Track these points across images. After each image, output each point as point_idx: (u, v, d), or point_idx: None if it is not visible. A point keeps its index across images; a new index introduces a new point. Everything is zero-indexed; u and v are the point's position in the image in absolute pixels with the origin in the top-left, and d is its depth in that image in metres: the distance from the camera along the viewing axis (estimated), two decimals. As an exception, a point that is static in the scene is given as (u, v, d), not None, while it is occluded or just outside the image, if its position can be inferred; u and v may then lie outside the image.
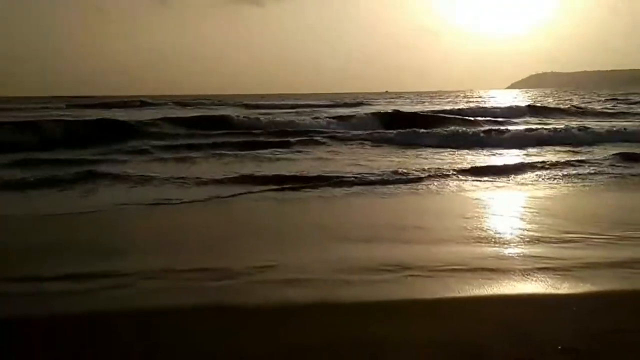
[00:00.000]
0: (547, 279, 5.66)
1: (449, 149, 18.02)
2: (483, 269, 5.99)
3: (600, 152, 16.55)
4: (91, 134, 20.44)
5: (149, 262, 6.32)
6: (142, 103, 44.51)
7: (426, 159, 16.07)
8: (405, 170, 12.98)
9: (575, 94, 68.24)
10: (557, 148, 18.30)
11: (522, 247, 6.87)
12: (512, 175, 12.67)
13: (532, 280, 5.70)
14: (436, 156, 16.51)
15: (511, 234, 7.51)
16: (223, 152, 16.67)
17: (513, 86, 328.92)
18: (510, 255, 6.56)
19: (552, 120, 30.53)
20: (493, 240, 7.18)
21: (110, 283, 5.67)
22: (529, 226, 7.85)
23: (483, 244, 6.99)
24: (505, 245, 6.96)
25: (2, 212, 9.40)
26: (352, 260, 6.34)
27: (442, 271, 5.95)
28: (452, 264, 6.14)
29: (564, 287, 5.45)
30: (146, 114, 31.07)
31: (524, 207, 9.43)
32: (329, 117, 27.10)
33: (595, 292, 5.31)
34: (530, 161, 14.91)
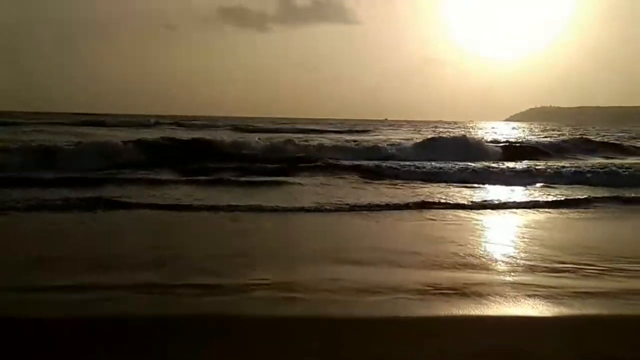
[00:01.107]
0: (538, 305, 5.81)
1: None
2: (474, 293, 6.14)
3: None
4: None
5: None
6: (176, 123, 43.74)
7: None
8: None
9: (583, 129, 66.92)
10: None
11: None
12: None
13: (523, 304, 5.86)
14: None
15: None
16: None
17: (511, 119, 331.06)
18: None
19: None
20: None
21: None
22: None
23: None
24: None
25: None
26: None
27: (433, 294, 6.11)
28: (443, 288, 6.31)
29: (555, 312, 5.60)
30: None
31: None
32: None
33: (586, 317, 5.47)
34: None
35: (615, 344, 4.80)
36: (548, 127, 74.93)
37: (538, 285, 6.46)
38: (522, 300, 5.98)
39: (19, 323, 4.99)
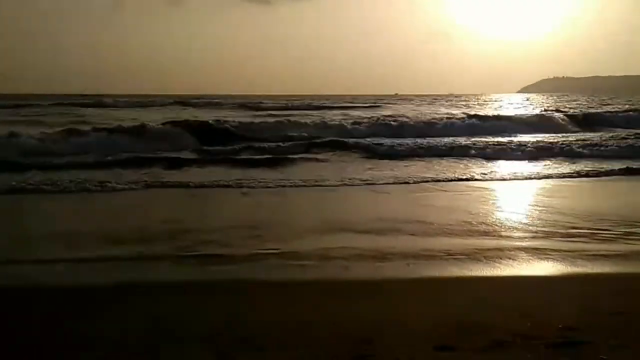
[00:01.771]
0: (552, 266, 5.85)
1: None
2: (486, 257, 6.16)
3: None
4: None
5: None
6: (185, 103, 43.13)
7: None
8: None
9: (609, 99, 64.07)
10: None
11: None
12: None
13: (536, 266, 5.90)
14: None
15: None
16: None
17: (524, 90, 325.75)
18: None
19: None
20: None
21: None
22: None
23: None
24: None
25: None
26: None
27: (444, 259, 6.15)
28: (455, 254, 6.33)
29: (568, 272, 5.63)
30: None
31: None
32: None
33: (599, 275, 5.49)
34: None
35: (624, 300, 4.81)
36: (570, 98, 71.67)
37: (552, 250, 6.47)
38: (535, 262, 6.02)
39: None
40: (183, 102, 44.01)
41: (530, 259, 6.17)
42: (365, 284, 5.38)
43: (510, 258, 6.21)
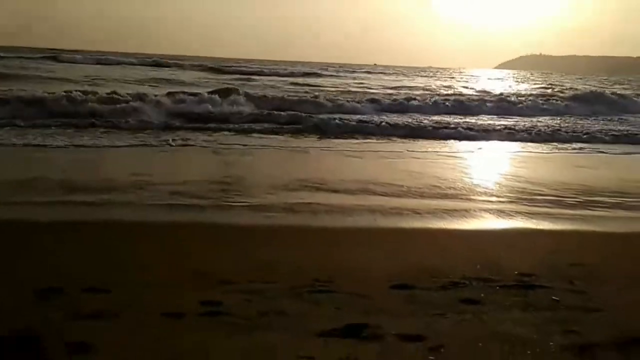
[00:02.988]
0: (514, 223, 6.02)
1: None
2: (451, 215, 6.29)
3: None
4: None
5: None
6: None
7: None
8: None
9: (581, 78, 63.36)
10: None
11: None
12: None
13: (499, 221, 6.08)
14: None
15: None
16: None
17: (501, 66, 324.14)
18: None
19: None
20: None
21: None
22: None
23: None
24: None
25: None
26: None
27: (410, 216, 6.25)
28: (422, 212, 6.43)
29: (529, 228, 5.81)
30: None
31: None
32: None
33: (561, 232, 5.69)
34: None
35: (584, 254, 4.96)
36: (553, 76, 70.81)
37: (516, 212, 6.61)
38: (499, 220, 6.17)
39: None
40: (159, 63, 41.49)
41: (493, 217, 6.33)
42: (331, 232, 5.48)
43: (474, 217, 6.36)
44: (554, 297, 3.85)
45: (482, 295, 3.85)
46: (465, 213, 6.51)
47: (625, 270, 4.60)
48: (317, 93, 22.29)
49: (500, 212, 6.55)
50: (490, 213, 6.57)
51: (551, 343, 3.07)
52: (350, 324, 3.26)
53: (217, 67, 37.17)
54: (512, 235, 5.69)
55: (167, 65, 37.47)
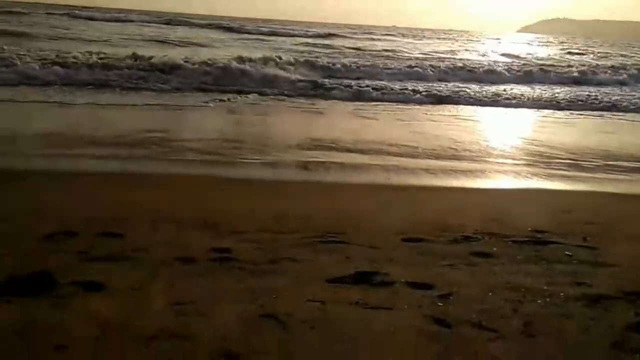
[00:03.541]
0: (530, 183, 5.96)
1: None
2: (466, 175, 6.25)
3: None
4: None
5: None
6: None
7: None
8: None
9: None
10: None
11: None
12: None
13: (515, 181, 6.02)
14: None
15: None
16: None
17: (523, 30, 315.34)
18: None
19: None
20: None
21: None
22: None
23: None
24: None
25: None
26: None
27: (424, 175, 6.22)
28: (436, 171, 6.40)
29: (545, 187, 5.75)
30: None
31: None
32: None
33: (576, 192, 5.65)
34: None
35: (599, 213, 4.94)
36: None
37: (532, 173, 6.55)
38: (515, 180, 6.13)
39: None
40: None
41: (509, 178, 6.28)
42: (343, 186, 5.48)
43: (488, 177, 6.32)
44: (567, 252, 3.82)
45: (494, 249, 3.83)
46: (479, 174, 6.48)
47: (639, 228, 4.57)
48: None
49: (516, 173, 6.51)
50: (504, 174, 6.54)
51: (562, 294, 3.06)
52: (360, 271, 3.26)
53: (235, 27, 36.70)
54: (527, 194, 5.67)
55: (182, 24, 36.97)
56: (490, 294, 3.04)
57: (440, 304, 2.90)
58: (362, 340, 2.49)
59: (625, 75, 21.40)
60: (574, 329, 2.65)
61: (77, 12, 37.73)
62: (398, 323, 2.65)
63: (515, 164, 7.15)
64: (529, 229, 4.33)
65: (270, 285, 3.05)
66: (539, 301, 2.96)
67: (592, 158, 7.59)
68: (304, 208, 4.71)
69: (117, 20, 35.74)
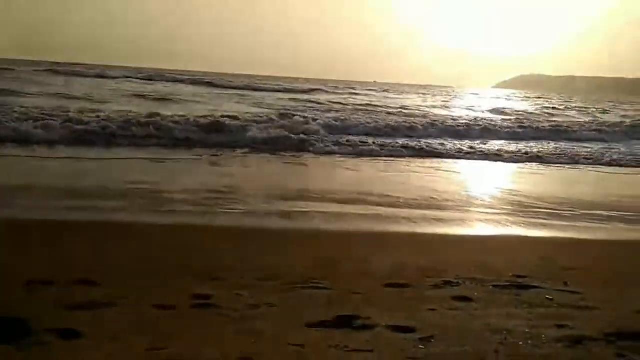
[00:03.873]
0: (510, 230, 6.04)
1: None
2: (447, 224, 6.31)
3: None
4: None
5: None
6: None
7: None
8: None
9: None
10: None
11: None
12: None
13: (496, 229, 6.11)
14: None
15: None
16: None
17: (499, 86, 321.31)
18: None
19: None
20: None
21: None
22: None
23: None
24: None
25: None
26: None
27: (406, 224, 6.26)
28: (417, 220, 6.45)
29: (525, 234, 5.86)
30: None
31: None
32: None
33: (555, 239, 5.74)
34: None
35: (579, 260, 4.98)
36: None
37: (512, 222, 6.61)
38: (495, 228, 6.19)
39: None
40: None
41: (490, 226, 6.34)
42: (326, 234, 5.48)
43: (470, 226, 6.38)
44: (547, 297, 3.84)
45: (475, 293, 3.83)
46: (460, 222, 6.55)
47: (618, 272, 4.61)
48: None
49: (496, 222, 6.56)
50: (485, 222, 6.60)
51: (543, 335, 3.06)
52: (341, 315, 3.25)
53: (217, 83, 37.09)
54: (508, 241, 5.70)
55: (165, 80, 37.21)
56: (471, 336, 3.04)
57: (421, 346, 2.88)
58: (342, 382, 2.46)
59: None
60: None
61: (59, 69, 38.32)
62: (378, 365, 2.63)
63: (496, 214, 7.24)
64: (510, 274, 4.35)
65: (250, 329, 3.01)
66: (521, 343, 2.96)
67: (571, 208, 7.70)
68: (285, 255, 4.70)
69: (99, 76, 36.07)
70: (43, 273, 3.80)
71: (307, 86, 43.01)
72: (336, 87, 45.67)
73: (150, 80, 36.57)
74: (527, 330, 3.13)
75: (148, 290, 3.62)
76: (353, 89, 45.53)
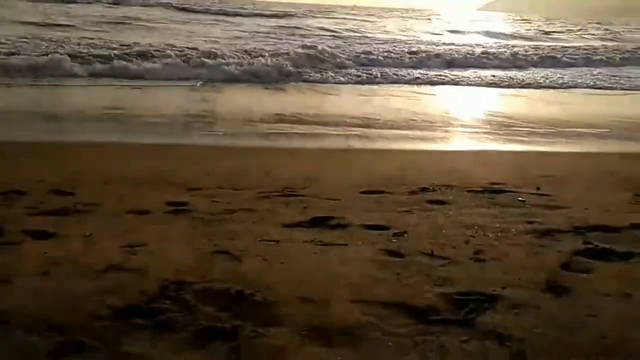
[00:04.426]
0: (487, 144, 6.07)
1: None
2: (424, 140, 6.33)
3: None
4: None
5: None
6: None
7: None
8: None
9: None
10: None
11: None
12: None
13: (473, 143, 6.15)
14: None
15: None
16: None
17: (486, 8, 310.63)
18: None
19: None
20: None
21: None
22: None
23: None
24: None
25: None
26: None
27: (384, 141, 6.28)
28: (396, 139, 6.46)
29: (502, 148, 5.90)
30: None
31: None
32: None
33: (532, 152, 5.93)
34: None
35: (554, 169, 5.06)
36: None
37: (490, 138, 6.66)
38: (472, 142, 6.23)
39: None
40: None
41: (467, 141, 6.38)
42: (305, 151, 5.50)
43: (446, 142, 6.41)
44: (519, 199, 3.90)
45: (450, 197, 3.89)
46: (436, 139, 6.58)
47: (589, 179, 4.71)
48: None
49: (474, 137, 6.62)
50: (463, 138, 6.65)
51: (513, 229, 3.12)
52: (317, 217, 3.28)
53: (184, 6, 35.31)
54: (485, 154, 5.76)
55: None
56: (443, 231, 3.09)
57: (394, 240, 2.93)
58: (314, 268, 2.50)
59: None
60: (523, 255, 2.71)
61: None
62: (351, 255, 2.67)
63: (475, 132, 7.28)
64: (486, 182, 4.41)
65: (225, 230, 3.04)
66: (491, 235, 3.02)
67: (548, 126, 7.76)
68: (263, 167, 4.71)
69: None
70: (20, 185, 3.78)
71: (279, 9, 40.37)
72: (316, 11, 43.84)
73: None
74: (497, 225, 3.18)
75: (122, 198, 3.63)
76: (333, 12, 43.55)
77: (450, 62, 16.92)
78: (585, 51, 21.90)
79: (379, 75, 13.24)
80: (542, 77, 15.04)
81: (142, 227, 3.05)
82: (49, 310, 2.03)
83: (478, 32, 30.05)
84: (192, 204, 3.52)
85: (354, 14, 43.57)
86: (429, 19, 43.56)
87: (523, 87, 13.33)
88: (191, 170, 4.58)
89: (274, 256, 2.60)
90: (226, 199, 3.70)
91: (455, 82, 13.43)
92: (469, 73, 15.15)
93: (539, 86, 13.66)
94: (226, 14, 32.62)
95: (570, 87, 13.84)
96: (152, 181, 4.13)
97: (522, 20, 51.17)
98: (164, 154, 5.25)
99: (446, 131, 7.29)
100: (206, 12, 32.81)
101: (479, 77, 14.31)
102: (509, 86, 13.28)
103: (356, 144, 6.07)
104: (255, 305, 2.12)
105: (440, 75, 14.19)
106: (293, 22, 30.42)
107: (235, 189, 4.01)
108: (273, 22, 29.69)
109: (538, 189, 4.22)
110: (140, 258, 2.53)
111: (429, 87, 12.54)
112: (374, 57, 16.40)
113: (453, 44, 22.45)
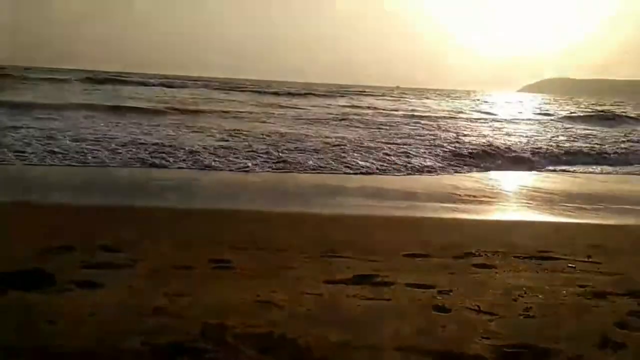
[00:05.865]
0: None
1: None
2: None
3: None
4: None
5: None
6: None
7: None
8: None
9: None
10: None
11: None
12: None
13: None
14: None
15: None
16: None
17: (524, 89, 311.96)
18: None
19: None
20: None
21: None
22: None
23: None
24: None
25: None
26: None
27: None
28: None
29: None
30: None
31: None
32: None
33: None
34: None
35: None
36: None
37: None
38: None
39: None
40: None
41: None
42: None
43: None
44: (569, 265, 3.80)
45: (496, 262, 3.82)
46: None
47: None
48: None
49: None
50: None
51: (564, 291, 3.03)
52: (358, 274, 3.26)
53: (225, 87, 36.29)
54: (533, 225, 5.64)
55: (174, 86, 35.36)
56: (490, 290, 3.02)
57: (439, 297, 2.88)
58: (358, 318, 2.48)
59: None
60: (575, 313, 2.62)
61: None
62: (395, 309, 2.64)
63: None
64: (532, 249, 4.30)
65: (270, 284, 3.05)
66: (540, 296, 2.94)
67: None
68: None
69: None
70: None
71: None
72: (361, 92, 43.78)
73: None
74: (546, 287, 3.10)
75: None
76: (372, 95, 43.12)
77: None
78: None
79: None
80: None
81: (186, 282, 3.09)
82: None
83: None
84: (235, 262, 3.56)
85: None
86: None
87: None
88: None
89: (318, 306, 2.59)
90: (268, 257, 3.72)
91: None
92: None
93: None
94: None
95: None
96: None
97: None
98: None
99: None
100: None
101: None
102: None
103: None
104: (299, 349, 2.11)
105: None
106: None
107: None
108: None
109: (589, 257, 4.11)
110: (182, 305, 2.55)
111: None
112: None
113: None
